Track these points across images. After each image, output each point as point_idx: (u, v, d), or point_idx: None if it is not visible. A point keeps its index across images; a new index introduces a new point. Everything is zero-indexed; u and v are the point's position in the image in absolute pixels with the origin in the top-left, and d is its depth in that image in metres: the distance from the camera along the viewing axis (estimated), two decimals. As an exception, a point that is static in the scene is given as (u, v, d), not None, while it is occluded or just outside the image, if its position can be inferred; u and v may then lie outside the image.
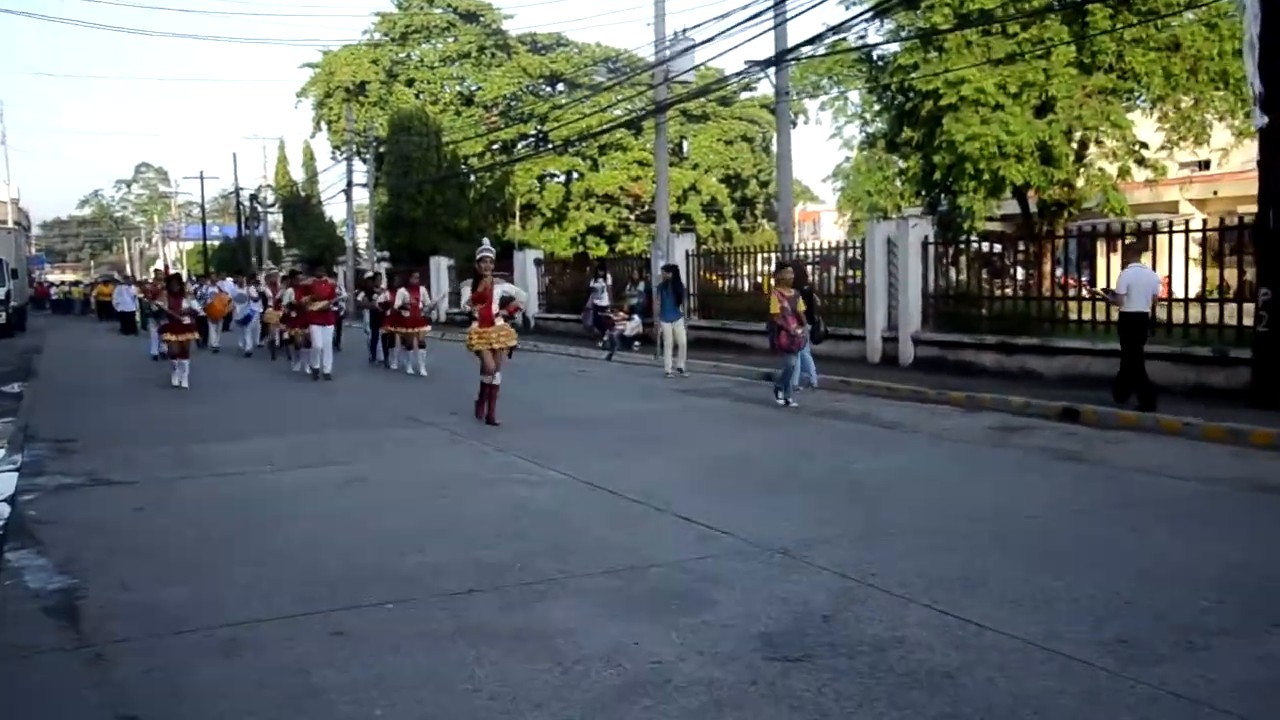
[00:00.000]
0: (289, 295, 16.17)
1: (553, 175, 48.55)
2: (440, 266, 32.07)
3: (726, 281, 21.14)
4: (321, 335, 14.89)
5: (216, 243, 64.00)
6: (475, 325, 10.20)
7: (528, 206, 46.53)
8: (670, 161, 33.07)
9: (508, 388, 11.65)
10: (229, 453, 8.85)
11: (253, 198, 52.70)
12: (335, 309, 16.20)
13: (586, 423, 10.48)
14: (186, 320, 14.31)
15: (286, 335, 16.59)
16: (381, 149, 39.41)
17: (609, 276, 21.00)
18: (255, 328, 20.08)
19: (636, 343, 19.52)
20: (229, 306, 20.57)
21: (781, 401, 11.34)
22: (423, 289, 16.66)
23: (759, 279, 20.53)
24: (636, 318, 19.80)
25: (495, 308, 10.16)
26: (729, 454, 8.49)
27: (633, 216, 48.17)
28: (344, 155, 40.02)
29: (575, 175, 47.32)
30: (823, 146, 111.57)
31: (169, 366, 14.51)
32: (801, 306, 11.57)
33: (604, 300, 20.57)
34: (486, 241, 11.06)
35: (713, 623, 4.37)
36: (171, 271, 22.75)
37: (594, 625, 4.35)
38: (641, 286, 20.53)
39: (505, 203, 42.48)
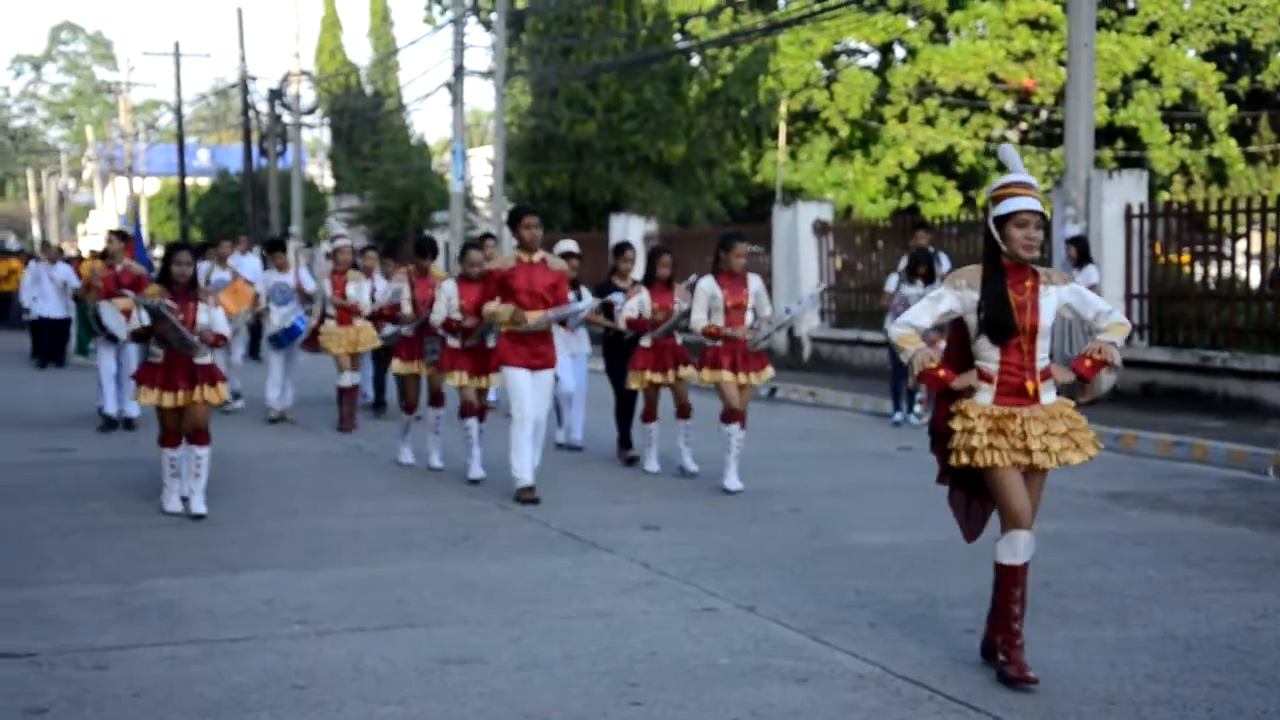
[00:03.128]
0: (449, 297, 13.92)
1: (853, 53, 48.68)
2: (629, 233, 32.51)
3: (1211, 268, 20.49)
4: (537, 393, 12.95)
5: (206, 181, 67.35)
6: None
7: (803, 116, 46.82)
8: (1100, 20, 31.59)
9: (751, 478, 11.68)
10: (222, 595, 9.14)
11: (275, 96, 54.90)
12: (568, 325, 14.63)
13: (915, 558, 10.40)
14: (204, 353, 12.05)
15: (452, 385, 14.20)
16: (520, 1, 40.50)
17: (935, 258, 20.30)
18: (291, 357, 19.39)
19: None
20: (255, 307, 20.01)
21: None
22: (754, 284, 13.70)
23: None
24: None
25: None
26: (1213, 635, 8.21)
27: (1012, 135, 47.63)
28: (449, 15, 41.26)
29: (900, 53, 47.22)
30: None
31: (154, 455, 12.93)
32: None
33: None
34: None
35: None
36: (151, 239, 20.64)
37: None
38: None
39: (759, 109, 42.93)
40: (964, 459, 7.22)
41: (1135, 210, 20.12)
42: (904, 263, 19.21)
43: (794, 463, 12.90)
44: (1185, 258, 20.99)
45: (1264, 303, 18.80)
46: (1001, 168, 8.09)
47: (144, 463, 14.58)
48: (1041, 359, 7.29)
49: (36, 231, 79.26)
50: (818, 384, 22.12)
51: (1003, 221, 7.18)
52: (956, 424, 7.27)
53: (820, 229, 27.43)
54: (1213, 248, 20.65)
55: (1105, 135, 41.09)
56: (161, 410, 11.91)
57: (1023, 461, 7.14)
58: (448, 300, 13.71)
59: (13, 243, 56.53)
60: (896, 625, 8.38)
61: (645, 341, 14.24)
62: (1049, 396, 7.31)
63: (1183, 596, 9.17)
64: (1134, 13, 45.83)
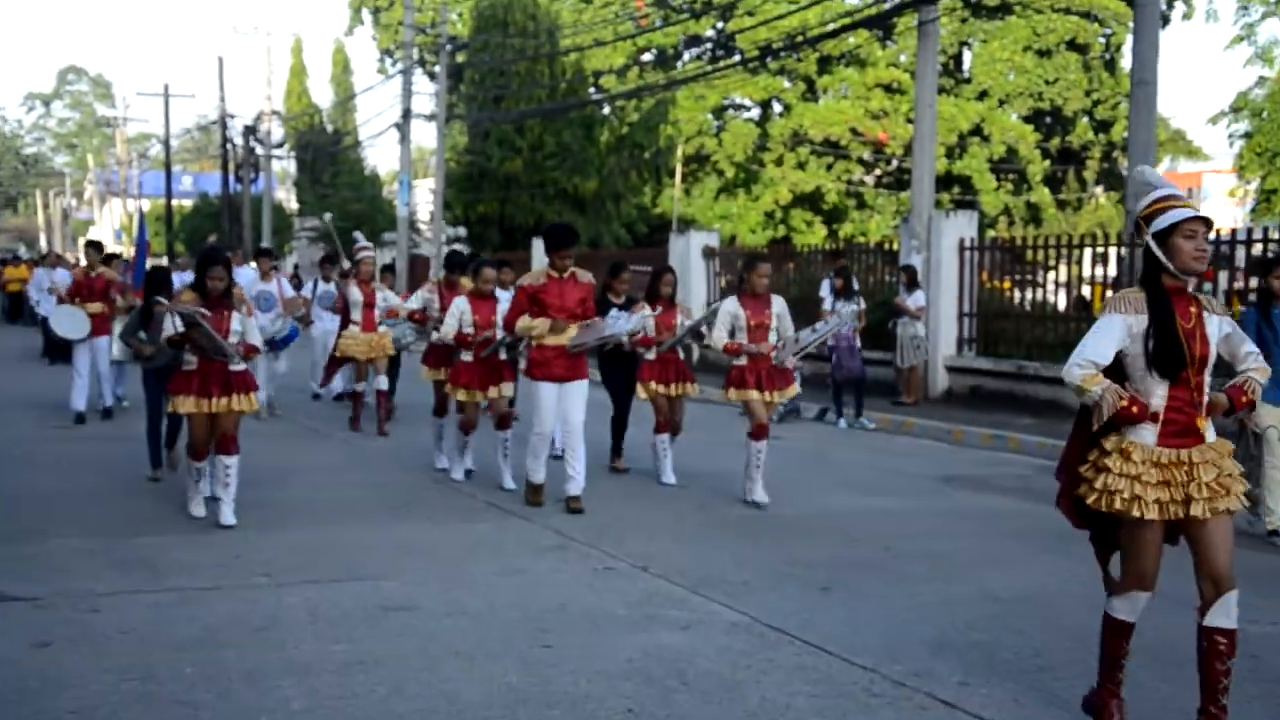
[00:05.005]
0: (462, 313, 12.29)
1: (739, 107, 48.87)
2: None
3: (1027, 292, 20.86)
4: (570, 402, 11.12)
5: (189, 203, 66.60)
6: None
7: (696, 159, 46.97)
8: (941, 87, 32.24)
9: (647, 461, 11.76)
10: (198, 553, 9.12)
11: (249, 132, 54.44)
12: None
13: (784, 527, 10.48)
14: (238, 360, 10.41)
15: (458, 399, 12.54)
16: (459, 56, 40.45)
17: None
18: (274, 366, 17.92)
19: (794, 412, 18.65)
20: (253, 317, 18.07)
21: None
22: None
23: (1086, 288, 20.19)
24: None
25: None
26: (1024, 594, 8.34)
27: (869, 179, 47.98)
28: (398, 67, 41.16)
29: (777, 108, 47.49)
30: (1216, 61, 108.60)
31: (143, 431, 12.50)
32: None
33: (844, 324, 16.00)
34: None
35: None
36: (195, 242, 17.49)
37: None
38: (834, 304, 17.96)
39: (659, 152, 43.00)
40: (1115, 504, 5.49)
41: (967, 244, 20.27)
42: (826, 284, 19.12)
43: (681, 449, 12.85)
44: (1007, 284, 21.29)
45: (1069, 322, 19.11)
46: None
47: (134, 439, 14.42)
48: (1207, 393, 5.59)
49: (43, 243, 77.93)
50: (705, 384, 22.15)
51: (1166, 235, 5.47)
52: (1114, 463, 5.51)
53: (709, 254, 27.51)
54: (1029, 276, 21.00)
55: (944, 182, 41.52)
56: (193, 419, 10.35)
57: (1180, 514, 5.43)
58: (460, 316, 12.15)
59: (23, 252, 55.49)
60: (765, 582, 8.45)
61: (650, 355, 12.81)
62: (1212, 435, 5.58)
63: (1000, 562, 9.28)
64: (969, 81, 46.55)
